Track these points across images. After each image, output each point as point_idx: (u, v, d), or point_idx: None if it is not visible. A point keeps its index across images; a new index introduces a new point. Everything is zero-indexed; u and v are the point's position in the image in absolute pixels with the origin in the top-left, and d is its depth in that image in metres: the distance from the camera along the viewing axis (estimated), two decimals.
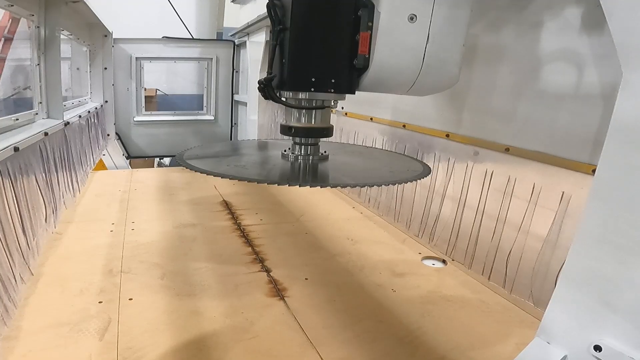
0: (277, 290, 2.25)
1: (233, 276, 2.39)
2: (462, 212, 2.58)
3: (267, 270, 2.47)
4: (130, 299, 2.10)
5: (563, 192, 1.97)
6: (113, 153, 5.45)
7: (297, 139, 1.98)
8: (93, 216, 3.28)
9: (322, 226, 3.24)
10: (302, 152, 2.00)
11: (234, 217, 3.38)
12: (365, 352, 1.78)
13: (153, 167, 7.54)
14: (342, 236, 3.04)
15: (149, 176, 4.67)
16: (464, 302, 2.21)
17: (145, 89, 5.92)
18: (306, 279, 2.40)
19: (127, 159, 5.69)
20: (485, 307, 2.16)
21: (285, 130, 1.95)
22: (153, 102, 7.68)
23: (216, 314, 2.01)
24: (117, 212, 3.40)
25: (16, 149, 2.11)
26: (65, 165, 3.19)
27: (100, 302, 2.05)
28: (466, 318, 2.07)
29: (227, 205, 3.67)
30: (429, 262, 2.66)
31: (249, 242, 2.89)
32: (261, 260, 2.60)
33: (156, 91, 7.78)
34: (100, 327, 1.85)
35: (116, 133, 5.54)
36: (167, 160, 7.04)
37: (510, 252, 2.24)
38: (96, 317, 1.92)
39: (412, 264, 2.62)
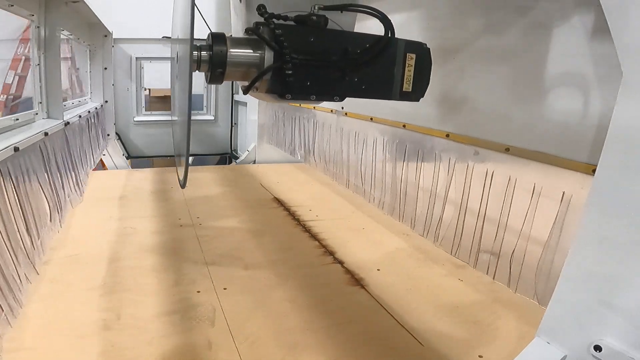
0: (356, 280, 2.35)
1: (310, 268, 2.50)
2: (465, 211, 2.58)
3: (340, 262, 2.57)
4: (225, 289, 2.18)
5: (563, 192, 1.98)
6: (113, 153, 5.45)
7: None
8: (157, 212, 3.36)
9: (376, 222, 3.30)
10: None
11: (290, 212, 3.46)
12: (453, 329, 1.95)
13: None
14: (398, 231, 3.11)
15: (199, 175, 4.69)
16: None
17: (147, 89, 5.91)
18: (378, 270, 2.49)
19: (127, 159, 5.69)
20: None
21: None
22: (167, 102, 7.63)
23: (308, 302, 2.11)
24: (178, 208, 3.47)
25: (16, 149, 2.11)
26: (65, 165, 3.19)
27: (198, 292, 2.14)
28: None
29: (280, 202, 3.74)
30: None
31: (313, 236, 2.97)
32: (331, 253, 2.69)
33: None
34: (208, 315, 1.94)
35: (116, 133, 5.54)
36: (190, 159, 6.99)
37: (513, 251, 2.24)
38: (200, 306, 2.01)
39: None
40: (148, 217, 3.24)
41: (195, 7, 1.20)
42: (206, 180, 4.45)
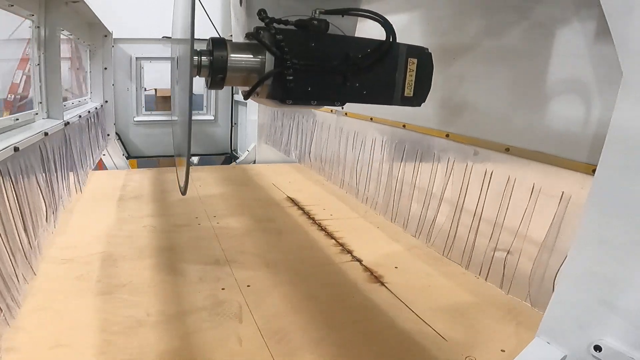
0: (376, 278, 2.39)
1: (330, 265, 2.55)
2: (461, 211, 2.57)
3: (359, 260, 2.61)
4: (249, 286, 2.22)
5: (563, 192, 1.97)
6: (113, 153, 5.45)
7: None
8: (173, 211, 3.39)
9: (390, 220, 3.32)
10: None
11: (304, 212, 3.49)
12: (472, 323, 2.01)
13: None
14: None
15: (208, 175, 4.71)
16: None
17: (154, 89, 5.91)
18: (396, 267, 2.53)
19: (127, 159, 5.69)
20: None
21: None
22: (169, 102, 7.66)
23: (331, 299, 2.15)
24: (194, 207, 3.50)
25: (16, 149, 2.11)
26: (64, 165, 3.18)
27: (223, 289, 2.18)
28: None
29: (293, 201, 3.76)
30: None
31: (329, 234, 3.00)
32: (349, 252, 2.73)
33: None
34: (235, 311, 1.99)
35: (116, 133, 5.54)
36: (195, 159, 7.00)
37: (508, 252, 2.24)
38: (227, 303, 2.05)
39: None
40: (165, 215, 3.27)
41: (195, 8, 1.18)
42: (216, 180, 4.48)
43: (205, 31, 1.69)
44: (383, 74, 1.66)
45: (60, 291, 2.08)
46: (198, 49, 1.46)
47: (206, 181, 4.37)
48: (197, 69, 1.48)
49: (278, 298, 2.13)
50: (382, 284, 2.33)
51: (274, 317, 1.96)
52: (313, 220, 3.30)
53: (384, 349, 1.80)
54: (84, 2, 3.51)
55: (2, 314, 1.70)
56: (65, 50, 4.61)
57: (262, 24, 1.50)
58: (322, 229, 3.12)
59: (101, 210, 3.32)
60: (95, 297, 2.04)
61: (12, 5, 2.50)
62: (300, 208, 3.58)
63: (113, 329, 1.80)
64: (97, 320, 1.86)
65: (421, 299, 2.18)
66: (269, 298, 2.13)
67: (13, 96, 6.86)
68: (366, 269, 2.50)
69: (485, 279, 2.39)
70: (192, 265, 2.44)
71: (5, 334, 1.70)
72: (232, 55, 1.50)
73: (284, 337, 1.81)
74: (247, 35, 1.58)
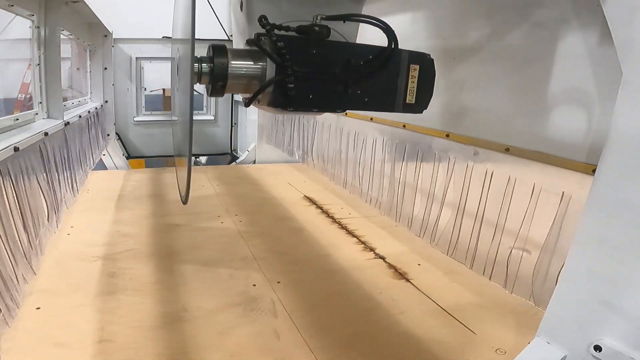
0: (400, 274, 2.44)
1: (354, 262, 2.58)
2: (463, 211, 2.57)
3: (382, 257, 2.65)
4: (279, 282, 2.27)
5: (563, 192, 1.97)
6: (113, 153, 5.45)
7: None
8: (193, 209, 3.42)
9: (407, 219, 3.33)
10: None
11: (323, 211, 3.52)
12: (495, 317, 2.06)
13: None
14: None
15: (220, 174, 4.75)
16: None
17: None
18: (419, 264, 2.57)
19: (127, 159, 5.69)
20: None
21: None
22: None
23: (360, 294, 2.20)
24: (214, 205, 3.55)
25: (16, 149, 2.11)
26: (64, 165, 3.18)
27: (254, 285, 2.23)
28: None
29: (311, 200, 3.78)
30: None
31: (350, 233, 3.05)
32: (372, 249, 2.78)
33: None
34: (268, 306, 2.03)
35: (116, 133, 5.54)
36: (203, 159, 7.02)
37: (511, 251, 2.24)
38: (259, 299, 2.10)
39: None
40: (186, 214, 3.30)
41: (195, 16, 1.16)
42: (229, 179, 4.51)
43: (206, 23, 1.67)
44: (385, 80, 1.64)
45: (97, 289, 2.12)
46: (198, 56, 1.44)
47: (220, 180, 4.41)
48: (198, 77, 1.46)
49: (309, 294, 2.19)
50: (408, 280, 2.37)
51: (307, 312, 2.01)
52: (332, 218, 3.35)
53: (418, 341, 1.85)
54: (84, 2, 3.50)
55: (1, 314, 1.70)
56: (72, 50, 4.62)
57: (263, 30, 1.49)
58: (343, 227, 3.16)
59: (122, 209, 3.36)
60: (131, 294, 2.09)
61: (12, 5, 2.50)
62: (319, 207, 3.61)
63: (152, 324, 1.84)
64: (135, 316, 1.91)
65: (446, 295, 2.22)
66: (300, 294, 2.17)
67: (24, 95, 6.93)
68: (390, 265, 2.54)
69: (490, 278, 2.39)
70: (221, 263, 2.49)
71: (53, 331, 1.76)
72: (232, 62, 1.48)
73: (320, 332, 1.86)
74: (248, 42, 1.57)
